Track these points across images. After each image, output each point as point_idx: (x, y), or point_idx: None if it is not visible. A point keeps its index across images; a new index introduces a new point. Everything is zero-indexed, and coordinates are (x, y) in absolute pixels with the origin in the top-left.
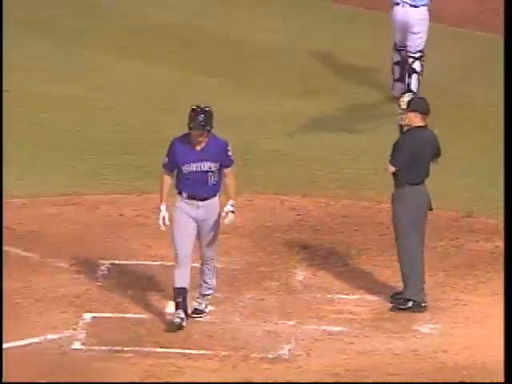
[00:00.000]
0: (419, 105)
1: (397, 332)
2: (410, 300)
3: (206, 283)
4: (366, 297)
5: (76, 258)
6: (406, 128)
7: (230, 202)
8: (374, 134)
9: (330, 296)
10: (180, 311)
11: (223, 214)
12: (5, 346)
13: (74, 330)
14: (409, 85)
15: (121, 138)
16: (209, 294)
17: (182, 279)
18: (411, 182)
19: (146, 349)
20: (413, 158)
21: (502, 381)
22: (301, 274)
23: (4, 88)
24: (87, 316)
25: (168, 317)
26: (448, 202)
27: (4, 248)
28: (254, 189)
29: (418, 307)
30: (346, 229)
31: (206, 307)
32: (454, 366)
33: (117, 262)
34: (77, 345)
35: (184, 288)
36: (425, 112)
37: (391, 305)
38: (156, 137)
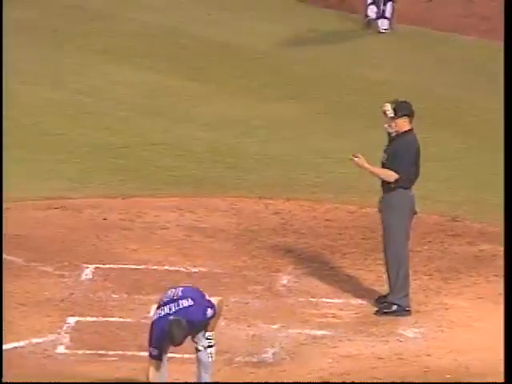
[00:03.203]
0: (406, 109)
1: (381, 336)
2: (394, 304)
3: None
4: (350, 300)
5: (60, 261)
6: (394, 134)
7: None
8: (358, 138)
9: (314, 300)
10: None
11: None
12: None
13: (58, 333)
14: (383, 11)
15: (105, 141)
16: None
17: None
18: (404, 186)
19: (130, 353)
20: (411, 163)
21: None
22: (285, 278)
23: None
24: (71, 320)
25: None
26: (432, 206)
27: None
28: (238, 192)
29: (403, 311)
30: (330, 233)
31: None
32: (438, 369)
33: (101, 265)
34: (61, 349)
35: None
36: (412, 115)
37: (375, 308)
38: (141, 140)
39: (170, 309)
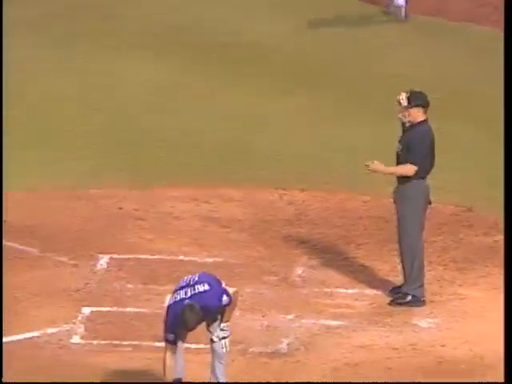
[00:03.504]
0: (420, 99)
1: (395, 326)
2: (408, 294)
3: None
4: (365, 291)
5: (75, 251)
6: (408, 124)
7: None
8: (370, 130)
9: (328, 290)
10: None
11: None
12: (4, 340)
13: (73, 324)
14: None
15: (116, 137)
16: None
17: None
18: (419, 176)
19: (145, 343)
20: (426, 154)
21: (502, 374)
22: (299, 268)
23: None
24: (86, 310)
25: None
26: (447, 197)
27: (2, 242)
28: (252, 184)
29: (417, 302)
30: (345, 223)
31: None
32: (453, 359)
33: (116, 255)
34: (76, 339)
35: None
36: (427, 105)
37: (390, 299)
38: (152, 136)
39: (185, 293)
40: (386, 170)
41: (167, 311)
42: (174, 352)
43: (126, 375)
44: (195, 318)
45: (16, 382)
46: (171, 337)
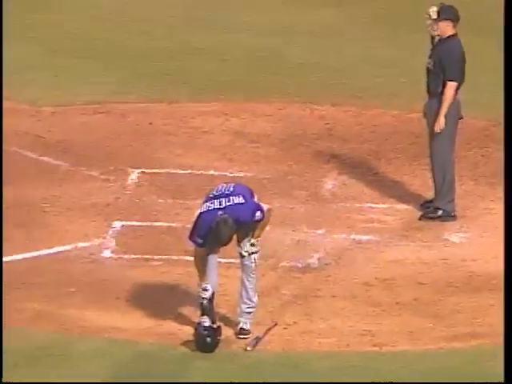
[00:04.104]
0: (450, 12)
1: (426, 241)
2: (439, 209)
3: (251, 301)
4: (396, 206)
5: (106, 166)
6: (437, 38)
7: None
8: (403, 43)
9: (359, 205)
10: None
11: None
12: (35, 254)
13: (104, 238)
14: None
15: (149, 46)
16: (252, 312)
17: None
18: None
19: (176, 257)
20: (458, 68)
21: None
22: (330, 183)
23: None
24: (117, 224)
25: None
26: (477, 111)
27: (34, 156)
28: (283, 97)
29: (448, 216)
30: (376, 138)
31: (250, 325)
32: (484, 274)
33: (146, 170)
34: (107, 253)
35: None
36: (457, 20)
37: (420, 214)
38: (185, 46)
39: (220, 203)
40: (443, 112)
41: (198, 218)
42: (204, 255)
43: (157, 290)
44: (228, 232)
45: (16, 382)
46: (200, 240)
